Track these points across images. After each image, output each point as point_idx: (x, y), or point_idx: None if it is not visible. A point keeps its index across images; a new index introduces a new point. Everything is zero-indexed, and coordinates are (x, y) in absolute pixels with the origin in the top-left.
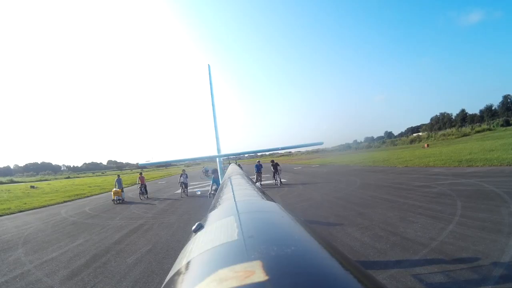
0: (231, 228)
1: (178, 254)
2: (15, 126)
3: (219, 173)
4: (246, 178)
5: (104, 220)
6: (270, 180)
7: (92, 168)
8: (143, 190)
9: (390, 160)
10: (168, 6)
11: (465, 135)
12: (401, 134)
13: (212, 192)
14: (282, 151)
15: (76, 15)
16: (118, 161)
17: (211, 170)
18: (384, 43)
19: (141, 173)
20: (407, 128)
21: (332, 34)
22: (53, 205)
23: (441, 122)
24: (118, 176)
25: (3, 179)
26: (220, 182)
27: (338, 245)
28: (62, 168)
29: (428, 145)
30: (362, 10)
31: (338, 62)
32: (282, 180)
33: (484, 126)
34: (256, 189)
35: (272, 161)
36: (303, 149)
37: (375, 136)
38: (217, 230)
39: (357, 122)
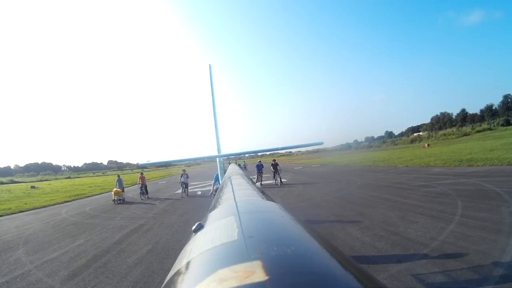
0: (231, 228)
1: (179, 254)
2: (15, 126)
3: (219, 173)
4: (246, 178)
5: (104, 220)
6: (270, 180)
7: (92, 168)
8: (144, 190)
9: (391, 160)
10: (169, 7)
11: (465, 134)
12: (402, 134)
13: (214, 192)
14: (283, 151)
15: (78, 15)
16: (119, 161)
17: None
18: (385, 43)
19: (142, 173)
20: (408, 128)
21: (333, 34)
22: (53, 205)
23: (442, 122)
24: (119, 176)
25: (4, 179)
26: (221, 182)
27: (338, 244)
28: (63, 168)
29: (428, 145)
30: (362, 11)
31: (338, 62)
32: (282, 180)
33: (485, 125)
34: (256, 189)
35: (274, 160)
36: (303, 149)
37: (375, 136)
38: (217, 230)
39: (357, 122)
